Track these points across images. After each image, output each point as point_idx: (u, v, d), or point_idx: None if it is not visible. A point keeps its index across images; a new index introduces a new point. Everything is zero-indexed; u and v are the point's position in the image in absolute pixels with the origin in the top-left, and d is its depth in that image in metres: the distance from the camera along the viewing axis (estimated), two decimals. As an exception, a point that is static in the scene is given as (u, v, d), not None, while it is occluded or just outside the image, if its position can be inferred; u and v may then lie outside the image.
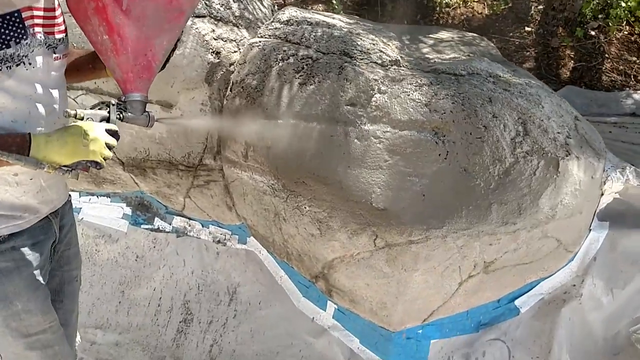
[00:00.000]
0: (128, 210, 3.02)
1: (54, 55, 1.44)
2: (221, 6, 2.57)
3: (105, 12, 1.32)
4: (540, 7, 3.86)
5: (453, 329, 2.26)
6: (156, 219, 2.97)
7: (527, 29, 3.69)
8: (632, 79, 3.32)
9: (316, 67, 2.23)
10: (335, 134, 2.08)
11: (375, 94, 2.10)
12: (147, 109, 1.49)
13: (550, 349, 2.21)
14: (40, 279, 1.54)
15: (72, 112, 1.38)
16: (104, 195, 2.98)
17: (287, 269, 2.59)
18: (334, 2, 3.59)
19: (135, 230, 2.99)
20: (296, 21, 2.50)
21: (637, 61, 3.46)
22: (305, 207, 2.20)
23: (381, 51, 2.31)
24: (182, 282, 2.98)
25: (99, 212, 3.01)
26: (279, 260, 2.61)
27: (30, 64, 1.36)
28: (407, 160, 1.97)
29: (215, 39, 2.48)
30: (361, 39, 2.37)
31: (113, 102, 1.44)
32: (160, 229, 2.97)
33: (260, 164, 2.28)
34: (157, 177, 2.77)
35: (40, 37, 1.39)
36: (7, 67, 1.30)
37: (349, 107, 2.11)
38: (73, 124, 1.37)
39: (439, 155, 1.96)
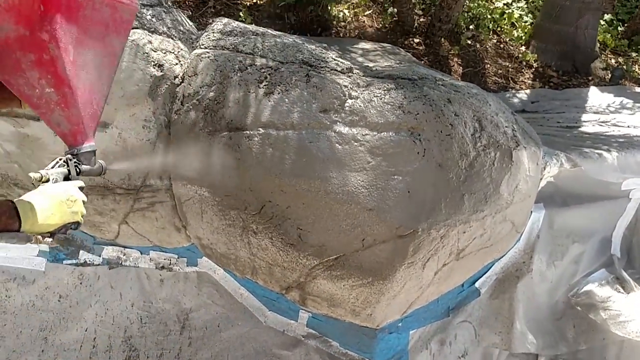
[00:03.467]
0: (45, 247, 2.69)
1: None
2: (153, 17, 2.44)
3: (54, 65, 1.27)
4: (422, 19, 4.24)
5: (427, 317, 2.40)
6: (81, 252, 2.69)
7: (415, 40, 4.03)
8: (511, 81, 3.81)
9: (279, 76, 2.22)
10: (313, 140, 2.10)
11: (347, 99, 2.16)
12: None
13: (513, 323, 2.45)
14: None
15: (38, 176, 1.33)
16: (15, 233, 2.62)
17: (250, 285, 2.51)
18: (242, 15, 3.57)
19: (57, 268, 2.68)
20: (240, 32, 2.46)
21: (510, 65, 3.97)
22: (282, 217, 2.17)
23: (334, 59, 2.37)
24: (121, 317, 2.72)
25: (7, 253, 2.64)
26: (239, 278, 2.53)
27: None
28: (389, 161, 2.06)
29: (154, 51, 2.35)
30: (309, 47, 2.41)
31: (70, 157, 1.40)
32: (88, 262, 2.70)
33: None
34: (86, 205, 2.51)
35: None
36: None
37: (322, 113, 2.14)
38: (50, 185, 1.32)
39: (418, 153, 2.08)
